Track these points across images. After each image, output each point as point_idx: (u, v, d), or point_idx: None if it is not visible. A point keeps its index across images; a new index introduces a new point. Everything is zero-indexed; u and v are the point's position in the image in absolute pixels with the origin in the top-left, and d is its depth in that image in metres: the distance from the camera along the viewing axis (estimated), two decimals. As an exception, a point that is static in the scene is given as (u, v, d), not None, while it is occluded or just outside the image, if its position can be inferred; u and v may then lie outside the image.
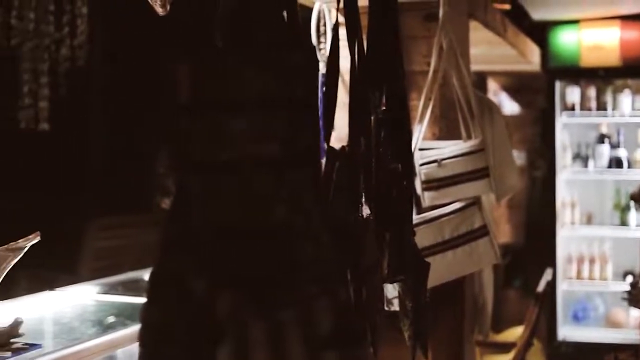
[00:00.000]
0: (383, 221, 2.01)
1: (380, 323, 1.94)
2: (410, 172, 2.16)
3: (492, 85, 7.00)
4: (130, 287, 4.16)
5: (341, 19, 3.17)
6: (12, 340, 2.75)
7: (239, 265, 1.38)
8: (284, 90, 1.43)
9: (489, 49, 4.78)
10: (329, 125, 1.79)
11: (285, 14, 1.51)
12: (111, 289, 4.03)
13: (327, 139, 1.81)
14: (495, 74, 6.86)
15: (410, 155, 2.17)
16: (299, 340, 1.35)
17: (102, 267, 6.98)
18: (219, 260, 1.38)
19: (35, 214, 6.81)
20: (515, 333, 5.43)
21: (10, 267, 2.73)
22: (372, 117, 2.01)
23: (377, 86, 2.03)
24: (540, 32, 6.44)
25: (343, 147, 1.90)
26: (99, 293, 3.91)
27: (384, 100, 2.08)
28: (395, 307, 2.46)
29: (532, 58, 6.00)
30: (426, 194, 2.99)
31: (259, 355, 1.33)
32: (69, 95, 6.80)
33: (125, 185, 8.52)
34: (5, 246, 2.66)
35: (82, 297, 3.78)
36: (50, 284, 4.13)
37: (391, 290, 2.36)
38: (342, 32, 3.03)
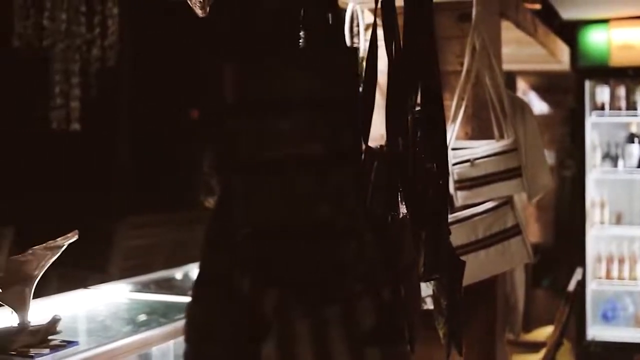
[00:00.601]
0: (419, 220, 2.03)
1: (417, 321, 1.95)
2: (446, 171, 2.18)
3: (521, 84, 6.99)
4: (162, 286, 4.20)
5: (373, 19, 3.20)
6: (49, 337, 2.79)
7: (284, 263, 1.40)
8: (327, 91, 1.45)
9: (518, 49, 4.78)
10: (367, 126, 1.81)
11: (327, 15, 1.54)
12: (144, 287, 4.07)
13: (365, 139, 1.83)
14: (524, 73, 6.85)
15: (445, 155, 2.18)
16: (342, 337, 1.37)
17: (132, 266, 7.03)
18: (264, 259, 1.40)
19: (67, 212, 6.87)
20: (544, 332, 5.43)
21: (49, 265, 2.77)
22: (409, 117, 2.03)
23: (414, 86, 2.05)
24: (570, 32, 6.43)
25: (381, 146, 1.92)
26: (131, 291, 3.95)
27: (419, 100, 2.09)
28: (429, 305, 2.48)
29: (561, 57, 5.99)
30: (459, 193, 3.01)
31: (303, 351, 1.36)
32: (100, 95, 6.85)
33: (157, 184, 8.59)
34: (44, 244, 2.70)
35: (115, 295, 3.82)
36: (83, 283, 4.18)
37: (425, 289, 2.38)
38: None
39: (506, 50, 3.87)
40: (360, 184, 1.59)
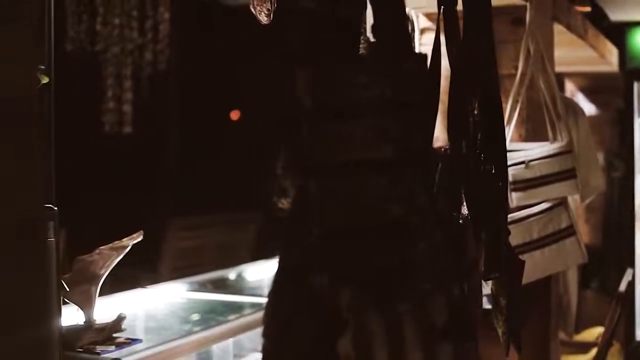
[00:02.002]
0: (480, 221, 2.08)
1: (479, 319, 2.00)
2: (505, 173, 2.22)
3: (570, 86, 6.98)
4: (218, 285, 4.28)
5: (428, 24, 3.24)
6: (114, 335, 2.86)
7: (357, 263, 1.46)
8: (397, 96, 1.50)
9: (569, 51, 4.80)
10: (432, 129, 1.86)
11: (397, 22, 1.59)
12: (200, 287, 4.14)
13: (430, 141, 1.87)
14: (572, 75, 6.85)
15: (504, 157, 2.22)
16: (415, 333, 1.43)
17: (182, 267, 7.12)
18: (338, 259, 1.46)
19: (120, 214, 6.96)
20: (593, 333, 5.43)
21: (114, 265, 2.84)
22: (470, 120, 2.08)
23: (475, 90, 2.09)
24: (619, 33, 6.42)
25: (444, 149, 1.97)
26: (188, 291, 4.03)
27: (478, 103, 2.14)
28: (486, 305, 2.53)
29: (610, 59, 5.99)
30: (514, 194, 3.04)
31: (378, 346, 1.41)
32: (151, 98, 6.94)
33: (207, 186, 8.67)
34: (110, 245, 2.77)
35: (172, 294, 3.90)
36: (140, 282, 4.26)
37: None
38: (430, 37, 3.10)
39: (557, 53, 3.90)
40: (431, 185, 1.64)
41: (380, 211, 1.49)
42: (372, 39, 1.57)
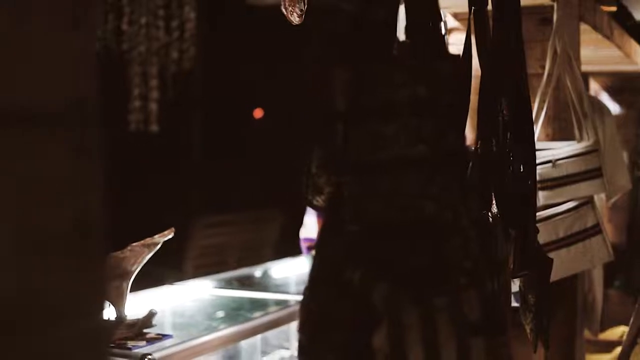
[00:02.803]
0: (509, 219, 2.11)
1: (508, 315, 2.03)
2: (534, 172, 2.25)
3: (594, 85, 6.98)
4: (244, 282, 4.32)
5: (455, 24, 3.27)
6: (144, 330, 2.91)
7: (392, 259, 1.49)
8: (432, 95, 1.54)
9: (594, 51, 4.80)
10: (464, 128, 1.89)
11: (430, 23, 1.63)
12: (227, 284, 4.19)
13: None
14: (597, 74, 6.84)
15: (533, 156, 2.25)
16: (449, 327, 1.46)
17: (206, 264, 7.17)
18: (373, 255, 1.49)
19: (145, 211, 7.03)
20: (616, 332, 5.43)
21: (145, 261, 2.89)
22: (499, 119, 2.11)
23: (504, 89, 2.12)
24: (644, 33, 6.41)
25: (474, 148, 2.00)
26: (215, 287, 4.07)
27: (507, 103, 2.17)
28: (513, 302, 2.56)
29: (635, 59, 5.98)
30: (541, 193, 3.06)
31: (412, 340, 1.45)
32: (178, 97, 7.00)
33: (231, 184, 8.71)
34: (142, 241, 2.81)
35: (200, 291, 3.94)
36: (168, 279, 4.30)
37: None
38: (458, 37, 3.12)
39: (582, 52, 3.91)
40: (465, 183, 1.67)
41: (415, 208, 1.52)
42: (405, 40, 1.60)
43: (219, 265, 6.97)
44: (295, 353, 1.61)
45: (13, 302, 0.76)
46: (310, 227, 3.67)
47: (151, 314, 2.90)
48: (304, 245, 3.69)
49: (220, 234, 7.58)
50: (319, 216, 3.66)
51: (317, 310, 1.54)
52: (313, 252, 1.58)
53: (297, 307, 3.46)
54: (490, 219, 2.02)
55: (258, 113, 10.17)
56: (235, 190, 8.99)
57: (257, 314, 3.48)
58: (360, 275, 1.48)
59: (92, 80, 0.87)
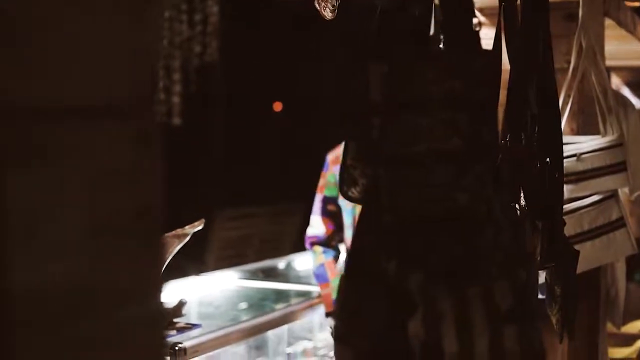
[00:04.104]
0: (536, 211, 2.14)
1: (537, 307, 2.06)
2: (561, 165, 2.28)
3: (615, 80, 6.98)
4: (269, 274, 4.36)
5: (481, 19, 3.29)
6: (174, 319, 2.95)
7: (427, 249, 1.53)
8: (466, 90, 1.58)
9: (617, 45, 4.81)
10: (496, 122, 1.93)
11: (465, 19, 1.66)
12: (252, 275, 4.23)
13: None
14: (618, 69, 6.85)
15: (561, 150, 2.28)
16: (482, 315, 1.50)
17: (228, 256, 7.22)
18: (408, 245, 1.54)
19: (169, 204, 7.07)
20: (637, 325, 5.44)
21: (175, 252, 2.93)
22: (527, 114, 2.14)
23: (533, 84, 2.15)
24: (666, 28, 6.40)
25: (503, 141, 2.04)
26: (240, 279, 4.12)
27: (535, 97, 2.20)
28: (540, 294, 2.59)
29: (657, 54, 5.99)
30: (565, 186, 3.08)
31: (446, 327, 1.49)
32: (200, 91, 7.03)
33: (253, 178, 8.74)
34: (173, 232, 2.85)
35: (225, 282, 3.99)
36: (194, 270, 4.35)
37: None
38: (483, 32, 3.15)
39: (606, 48, 3.94)
40: (497, 176, 1.71)
41: (449, 199, 1.56)
42: (440, 35, 1.64)
43: (242, 257, 7.02)
44: (331, 340, 1.65)
45: (83, 287, 0.80)
46: (315, 225, 3.70)
47: (181, 304, 2.94)
48: (307, 242, 3.73)
49: (241, 227, 7.64)
50: (324, 215, 3.70)
51: (353, 298, 1.58)
52: (351, 239, 1.62)
53: (321, 299, 3.52)
54: (519, 212, 2.06)
55: (278, 106, 10.21)
56: (257, 184, 9.03)
57: (282, 304, 3.52)
58: (395, 264, 1.53)
59: (152, 74, 0.91)
